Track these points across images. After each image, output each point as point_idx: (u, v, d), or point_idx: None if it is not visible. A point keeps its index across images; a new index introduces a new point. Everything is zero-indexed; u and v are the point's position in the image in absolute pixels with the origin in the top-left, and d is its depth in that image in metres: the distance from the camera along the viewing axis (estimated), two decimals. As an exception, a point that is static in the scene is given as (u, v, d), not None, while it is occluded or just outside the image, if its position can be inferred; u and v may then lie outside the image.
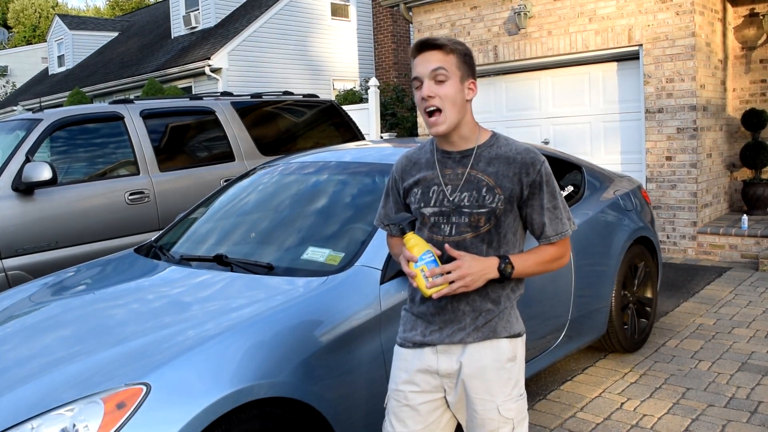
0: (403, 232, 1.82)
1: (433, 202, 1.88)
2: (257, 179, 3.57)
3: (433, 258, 1.76)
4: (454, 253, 1.77)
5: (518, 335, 1.92)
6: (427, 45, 1.79)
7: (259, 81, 13.87)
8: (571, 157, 4.01)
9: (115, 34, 21.35)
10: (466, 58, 1.82)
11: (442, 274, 1.74)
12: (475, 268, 1.75)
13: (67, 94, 15.54)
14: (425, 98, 1.77)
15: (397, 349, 1.99)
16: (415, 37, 8.88)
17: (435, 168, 1.90)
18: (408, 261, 1.78)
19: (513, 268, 1.81)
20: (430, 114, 1.79)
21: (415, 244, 1.78)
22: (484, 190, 1.83)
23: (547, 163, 1.87)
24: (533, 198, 1.85)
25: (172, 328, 2.22)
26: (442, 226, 1.87)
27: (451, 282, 1.75)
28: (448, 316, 1.88)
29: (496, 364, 1.87)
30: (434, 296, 1.76)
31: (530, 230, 1.91)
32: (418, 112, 1.82)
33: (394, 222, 1.89)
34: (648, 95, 6.89)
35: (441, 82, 1.77)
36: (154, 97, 8.23)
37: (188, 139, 5.68)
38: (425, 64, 1.78)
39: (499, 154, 1.86)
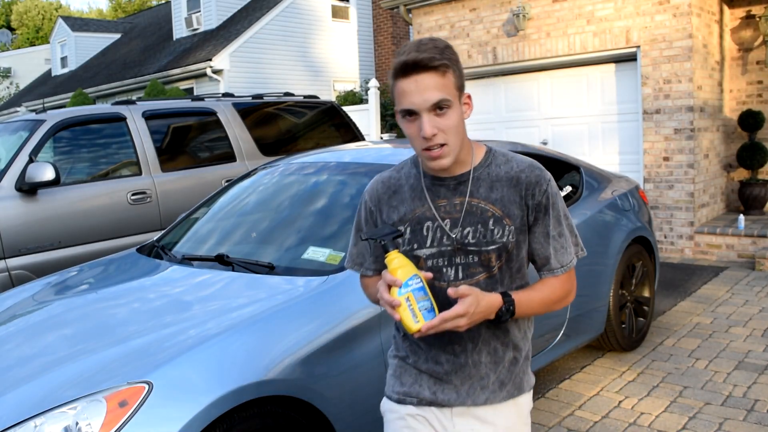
0: (385, 251, 1.48)
1: (429, 241, 1.55)
2: (258, 180, 3.58)
3: (421, 284, 1.44)
4: (460, 293, 1.42)
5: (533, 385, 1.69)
6: (419, 66, 1.42)
7: (260, 82, 13.89)
8: (569, 158, 4.03)
9: (118, 35, 21.38)
10: (459, 67, 1.49)
11: (432, 308, 1.43)
12: (482, 308, 1.44)
13: (70, 95, 15.59)
14: (428, 138, 1.44)
15: (392, 406, 1.65)
16: (415, 39, 8.90)
17: (425, 199, 1.57)
18: (390, 286, 1.44)
19: (514, 308, 1.51)
20: (431, 148, 1.47)
21: (400, 266, 1.46)
22: (491, 222, 1.53)
23: (553, 181, 1.59)
24: (537, 224, 1.56)
25: (173, 327, 2.23)
26: (445, 270, 1.55)
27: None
28: (468, 372, 1.58)
29: (520, 420, 1.63)
30: (422, 330, 1.41)
31: (531, 260, 1.62)
32: (411, 145, 1.56)
33: (374, 237, 1.51)
34: (645, 96, 6.91)
35: (443, 112, 1.45)
36: (157, 98, 8.26)
37: (190, 139, 5.70)
38: (421, 93, 1.42)
39: (500, 175, 1.56)
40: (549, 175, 1.59)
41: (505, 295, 1.49)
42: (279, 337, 2.19)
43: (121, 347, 2.14)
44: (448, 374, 1.59)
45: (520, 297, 1.52)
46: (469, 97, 1.53)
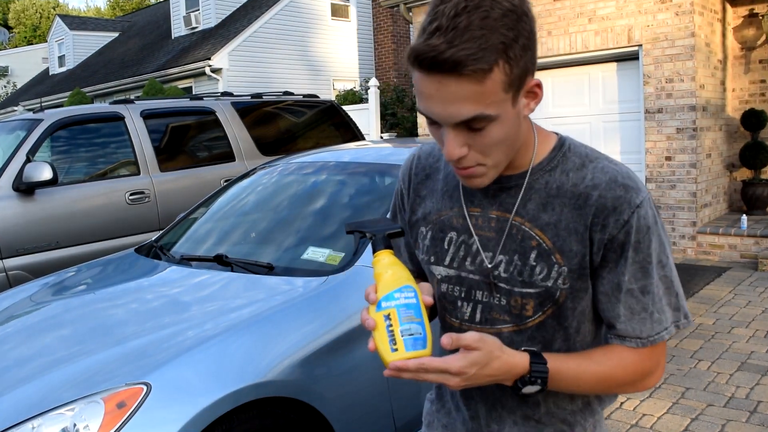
0: (373, 250, 1.06)
1: (449, 259, 1.12)
2: (257, 179, 3.57)
3: (414, 300, 0.99)
4: (464, 343, 0.95)
5: None
6: (443, 68, 0.90)
7: (259, 81, 13.88)
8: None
9: (116, 34, 21.38)
10: (518, 48, 0.92)
11: (423, 337, 0.97)
12: (493, 370, 0.97)
13: (67, 94, 15.57)
14: (452, 160, 1.00)
15: None
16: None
17: (459, 200, 1.12)
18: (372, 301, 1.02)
19: (545, 383, 1.00)
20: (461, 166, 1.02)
21: (390, 266, 1.02)
22: (533, 255, 1.04)
23: (647, 207, 1.02)
24: (605, 268, 1.03)
25: (172, 327, 2.21)
26: (460, 304, 1.12)
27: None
28: None
29: None
30: (391, 366, 0.95)
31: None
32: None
33: (361, 230, 1.09)
34: (647, 95, 6.89)
35: (478, 129, 0.96)
36: (155, 97, 8.25)
37: (189, 139, 5.69)
38: (444, 104, 0.93)
39: (564, 187, 1.04)
40: (643, 196, 1.02)
41: (535, 357, 0.99)
42: (278, 338, 2.18)
43: (119, 348, 2.12)
44: None
45: (560, 365, 1.00)
46: (539, 86, 0.99)
